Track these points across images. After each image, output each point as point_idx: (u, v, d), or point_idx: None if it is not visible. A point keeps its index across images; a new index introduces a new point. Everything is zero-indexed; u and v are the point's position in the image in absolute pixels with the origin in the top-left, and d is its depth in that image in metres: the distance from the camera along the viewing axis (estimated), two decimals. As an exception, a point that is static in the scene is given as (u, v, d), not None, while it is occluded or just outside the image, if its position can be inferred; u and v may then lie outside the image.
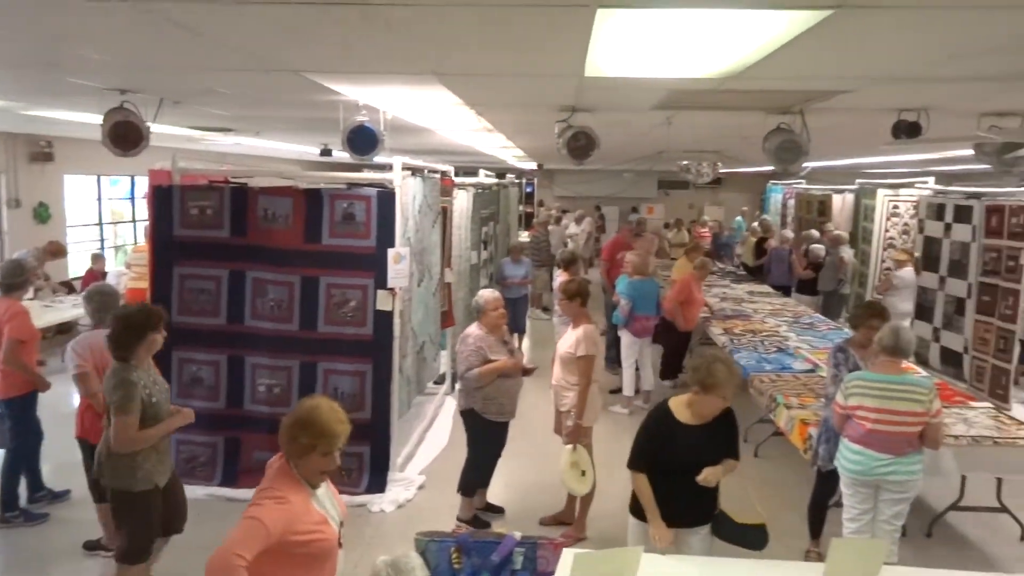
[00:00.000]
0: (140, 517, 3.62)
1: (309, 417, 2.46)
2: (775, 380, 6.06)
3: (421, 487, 5.69)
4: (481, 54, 3.69)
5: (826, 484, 4.52)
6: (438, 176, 6.84)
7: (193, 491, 5.37)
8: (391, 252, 5.36)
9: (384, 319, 5.45)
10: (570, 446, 4.73)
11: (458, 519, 5.01)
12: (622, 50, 3.42)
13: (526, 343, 10.18)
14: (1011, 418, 5.31)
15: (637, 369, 7.69)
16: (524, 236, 14.50)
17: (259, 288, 5.49)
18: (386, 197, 5.43)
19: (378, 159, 5.98)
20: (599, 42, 3.16)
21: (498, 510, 5.29)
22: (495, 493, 5.45)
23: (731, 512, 3.45)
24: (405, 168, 5.73)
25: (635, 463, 3.39)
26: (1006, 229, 7.60)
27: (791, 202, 15.51)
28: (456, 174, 8.20)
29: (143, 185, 11.57)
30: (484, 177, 10.37)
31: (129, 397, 3.50)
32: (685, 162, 9.51)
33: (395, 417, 5.65)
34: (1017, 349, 7.52)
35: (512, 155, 13.45)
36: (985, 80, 3.94)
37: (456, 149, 11.27)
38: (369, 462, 5.54)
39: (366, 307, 5.45)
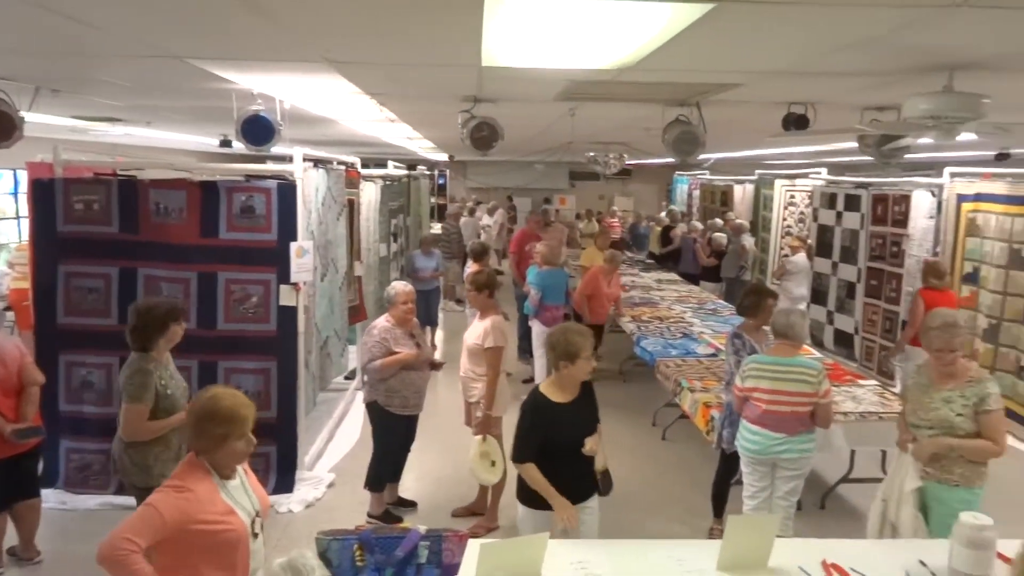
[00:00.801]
0: None
1: (212, 407, 2.44)
2: (680, 365, 6.25)
3: (331, 485, 5.59)
4: (374, 42, 3.63)
5: (728, 465, 4.70)
6: (343, 168, 6.70)
7: (86, 501, 5.14)
8: (294, 246, 5.23)
9: (288, 315, 5.31)
10: (479, 437, 4.74)
11: (368, 515, 4.95)
12: (517, 40, 3.44)
13: (439, 335, 10.14)
14: (894, 394, 5.66)
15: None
16: (437, 228, 14.43)
17: (152, 286, 5.24)
18: (287, 189, 5.28)
19: (278, 150, 5.81)
20: (493, 31, 3.17)
21: (410, 504, 5.26)
22: (407, 487, 5.42)
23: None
24: (307, 159, 5.58)
25: (521, 454, 3.40)
26: (890, 217, 8.08)
27: (696, 192, 16.04)
28: (364, 165, 8.06)
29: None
30: (393, 169, 10.23)
31: (143, 386, 3.56)
32: (592, 153, 9.66)
33: (302, 415, 5.52)
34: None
35: (422, 146, 13.33)
36: (864, 75, 4.16)
37: (363, 140, 11.07)
38: (276, 462, 5.40)
39: (268, 303, 5.30)
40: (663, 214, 14.55)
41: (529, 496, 3.47)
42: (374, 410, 4.83)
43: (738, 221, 11.57)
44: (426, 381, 4.97)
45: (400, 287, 4.89)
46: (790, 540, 3.29)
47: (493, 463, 4.73)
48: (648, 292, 9.75)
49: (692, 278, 11.25)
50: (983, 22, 2.91)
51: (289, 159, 5.44)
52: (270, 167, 5.67)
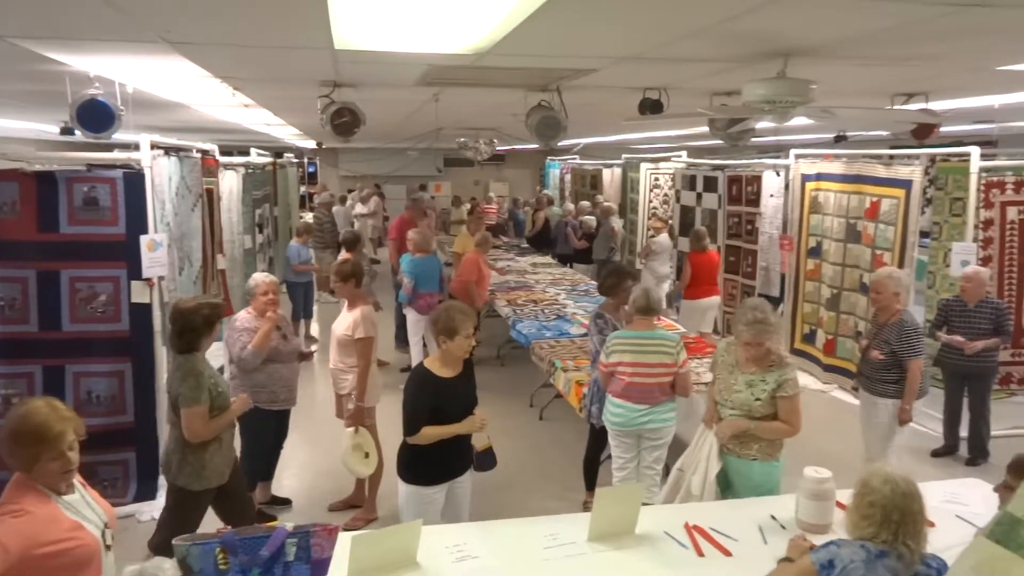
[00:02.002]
0: (189, 516, 3.68)
1: (22, 426, 2.25)
2: (554, 346, 6.38)
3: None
4: (216, 22, 3.45)
5: (597, 439, 4.86)
6: (199, 156, 6.35)
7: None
8: (144, 239, 4.90)
9: (142, 313, 4.99)
10: (351, 428, 4.66)
11: (240, 518, 4.76)
12: (368, 22, 3.38)
13: (314, 327, 9.86)
14: (751, 363, 6.03)
15: (424, 345, 7.74)
16: (308, 217, 14.01)
17: (-18, 287, 4.79)
18: (134, 179, 4.93)
19: (126, 137, 5.42)
20: (341, 13, 3.09)
21: (284, 502, 5.10)
22: (282, 485, 5.27)
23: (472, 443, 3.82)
24: (157, 147, 5.24)
25: (413, 427, 3.47)
26: (744, 197, 8.58)
27: (568, 176, 16.40)
28: (227, 153, 7.69)
29: None
30: (256, 156, 9.82)
31: (199, 387, 3.57)
32: (463, 139, 9.65)
33: (162, 417, 5.21)
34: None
35: (288, 133, 12.86)
36: (708, 61, 4.38)
37: (222, 127, 10.54)
38: (136, 468, 5.09)
39: (119, 301, 4.95)
40: (535, 198, 14.79)
41: (412, 474, 3.55)
42: None
43: (607, 204, 11.91)
44: (296, 374, 4.83)
45: (260, 278, 4.71)
46: (656, 507, 3.45)
47: (367, 455, 4.67)
48: (523, 276, 9.87)
49: (567, 260, 11.52)
50: (810, 11, 3.14)
51: (136, 147, 5.09)
52: (118, 155, 5.27)
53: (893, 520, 2.28)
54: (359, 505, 4.98)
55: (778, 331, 3.77)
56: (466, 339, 3.49)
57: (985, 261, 6.16)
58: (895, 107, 6.16)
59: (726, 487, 3.72)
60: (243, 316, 4.65)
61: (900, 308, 4.62)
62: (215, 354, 7.30)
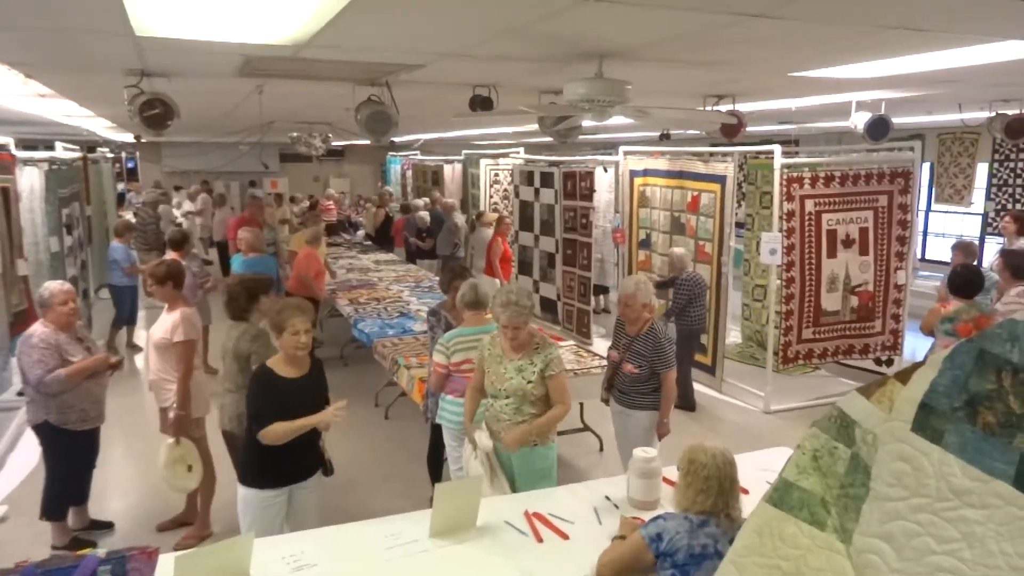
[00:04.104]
0: None
1: None
2: (397, 344, 6.32)
3: (2, 519, 4.77)
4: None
5: (437, 435, 4.83)
6: (-10, 150, 5.70)
7: None
8: (-77, 244, 4.34)
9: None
10: (170, 440, 4.38)
11: (53, 547, 4.34)
12: (171, 8, 3.18)
13: (140, 335, 9.13)
14: (588, 351, 6.29)
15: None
16: (128, 215, 12.99)
17: None
18: (-92, 177, 4.36)
19: None
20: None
21: (106, 525, 4.71)
22: (103, 507, 4.87)
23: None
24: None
25: (259, 423, 3.37)
26: (578, 191, 8.91)
27: (409, 172, 16.31)
28: (29, 147, 6.93)
29: None
30: (63, 151, 8.94)
31: (267, 345, 3.88)
32: (296, 133, 9.32)
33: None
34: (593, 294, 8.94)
35: (100, 125, 11.83)
36: (528, 60, 4.50)
37: (18, 118, 9.50)
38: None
39: None
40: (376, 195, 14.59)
41: (250, 476, 3.46)
42: (45, 431, 4.20)
43: (448, 200, 12.00)
44: (104, 388, 4.44)
45: (55, 286, 4.25)
46: (496, 498, 3.51)
47: (190, 467, 4.40)
48: (366, 274, 9.72)
49: (411, 257, 11.47)
50: (614, 15, 3.31)
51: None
52: None
53: (725, 489, 2.51)
54: (191, 522, 4.69)
55: (532, 313, 3.90)
56: (293, 335, 3.38)
57: (789, 249, 6.78)
58: (703, 108, 6.64)
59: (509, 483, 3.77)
60: (40, 331, 4.17)
61: (649, 317, 4.40)
62: (15, 372, 6.62)
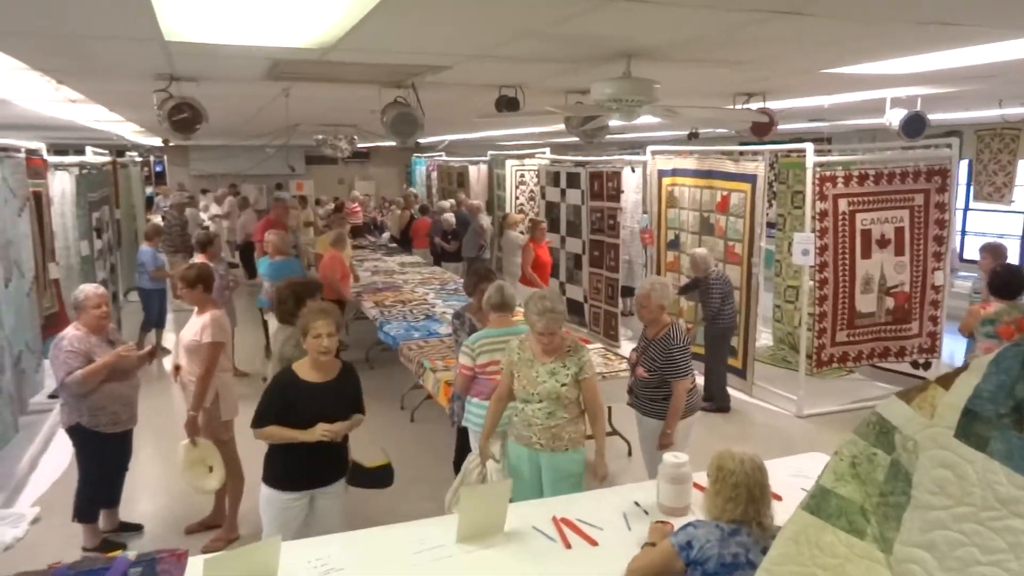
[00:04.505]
0: None
1: None
2: (423, 346, 6.34)
3: (35, 521, 4.89)
4: (22, 6, 3.16)
5: (464, 438, 4.83)
6: (22, 155, 5.82)
7: None
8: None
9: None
10: (185, 441, 4.42)
11: (84, 550, 4.41)
12: (199, 13, 3.22)
13: (169, 338, 9.25)
14: (616, 355, 6.25)
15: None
16: (156, 219, 13.21)
17: None
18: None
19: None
20: (167, 1, 2.92)
21: (135, 527, 4.78)
22: (133, 509, 4.95)
23: (361, 460, 3.81)
24: (-31, 146, 4.76)
25: (259, 421, 3.41)
26: (605, 192, 8.87)
27: (434, 174, 16.35)
28: (59, 152, 7.07)
29: None
30: (92, 155, 9.11)
31: (299, 346, 3.64)
32: (321, 136, 9.41)
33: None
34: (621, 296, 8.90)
35: (129, 130, 12.03)
36: (555, 61, 4.49)
37: (50, 123, 9.70)
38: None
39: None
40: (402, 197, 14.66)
41: (270, 475, 3.49)
42: (78, 433, 4.27)
43: (474, 202, 12.00)
44: (136, 390, 4.49)
45: (90, 289, 4.33)
46: (524, 503, 3.50)
47: (211, 468, 4.44)
48: (392, 276, 9.77)
49: (436, 259, 11.51)
50: (636, 16, 3.29)
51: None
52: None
53: (755, 496, 2.47)
54: (219, 525, 4.74)
55: (566, 318, 3.86)
56: (316, 339, 3.39)
57: (822, 250, 6.69)
58: (733, 107, 6.57)
59: (531, 490, 3.76)
60: (71, 334, 4.23)
61: (669, 322, 4.31)
62: (48, 374, 6.75)
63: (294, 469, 3.46)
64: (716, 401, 6.89)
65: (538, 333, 3.67)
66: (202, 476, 4.43)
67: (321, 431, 3.37)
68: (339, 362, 3.58)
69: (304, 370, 3.47)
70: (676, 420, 4.24)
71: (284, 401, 3.41)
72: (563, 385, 3.67)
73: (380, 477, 3.87)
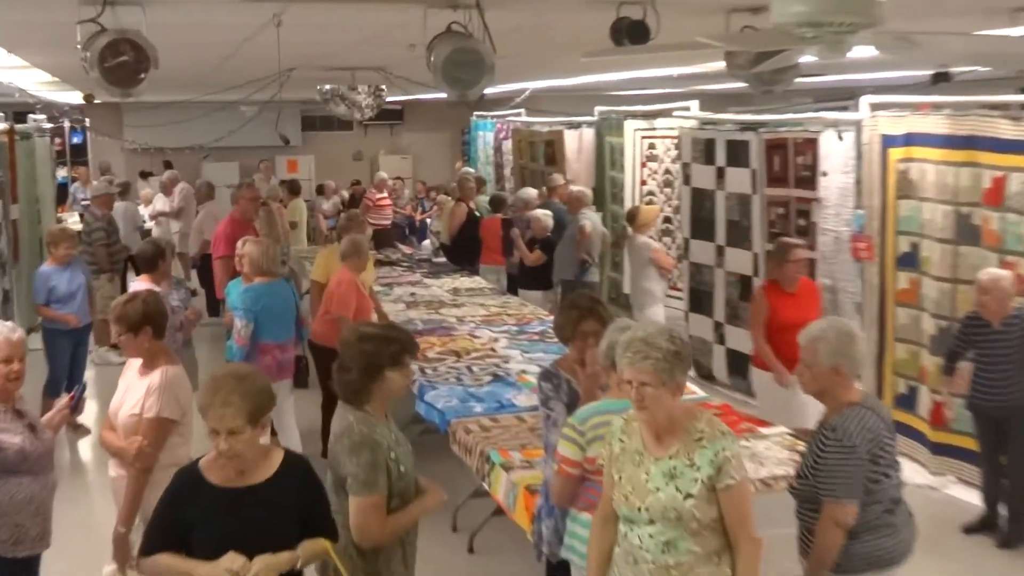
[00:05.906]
0: None
1: None
2: (489, 427, 6.36)
3: None
4: None
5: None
6: None
7: None
8: None
9: None
10: (110, 568, 4.61)
11: None
12: None
13: (90, 408, 9.53)
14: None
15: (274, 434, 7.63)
16: (71, 220, 13.78)
17: None
18: None
19: None
20: None
21: None
22: None
23: None
24: None
25: (147, 546, 3.51)
26: (792, 173, 8.75)
27: (507, 144, 16.49)
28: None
29: None
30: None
31: (374, 466, 3.74)
32: (329, 86, 9.61)
33: None
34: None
35: (36, 80, 12.65)
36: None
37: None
38: None
39: None
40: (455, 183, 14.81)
41: None
42: None
43: (576, 189, 11.94)
44: (52, 492, 4.65)
45: None
46: None
47: None
48: (438, 311, 9.84)
49: (512, 283, 11.59)
50: None
51: None
52: None
53: None
54: None
55: (682, 363, 3.63)
56: (211, 433, 3.44)
57: None
58: (1011, 32, 6.39)
59: None
60: None
61: (851, 399, 4.19)
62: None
63: None
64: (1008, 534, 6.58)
65: (624, 382, 3.59)
66: None
67: (225, 567, 3.31)
68: (277, 453, 3.62)
69: (212, 467, 3.51)
70: (820, 569, 4.07)
71: (179, 516, 3.46)
72: (688, 497, 3.55)
73: None
